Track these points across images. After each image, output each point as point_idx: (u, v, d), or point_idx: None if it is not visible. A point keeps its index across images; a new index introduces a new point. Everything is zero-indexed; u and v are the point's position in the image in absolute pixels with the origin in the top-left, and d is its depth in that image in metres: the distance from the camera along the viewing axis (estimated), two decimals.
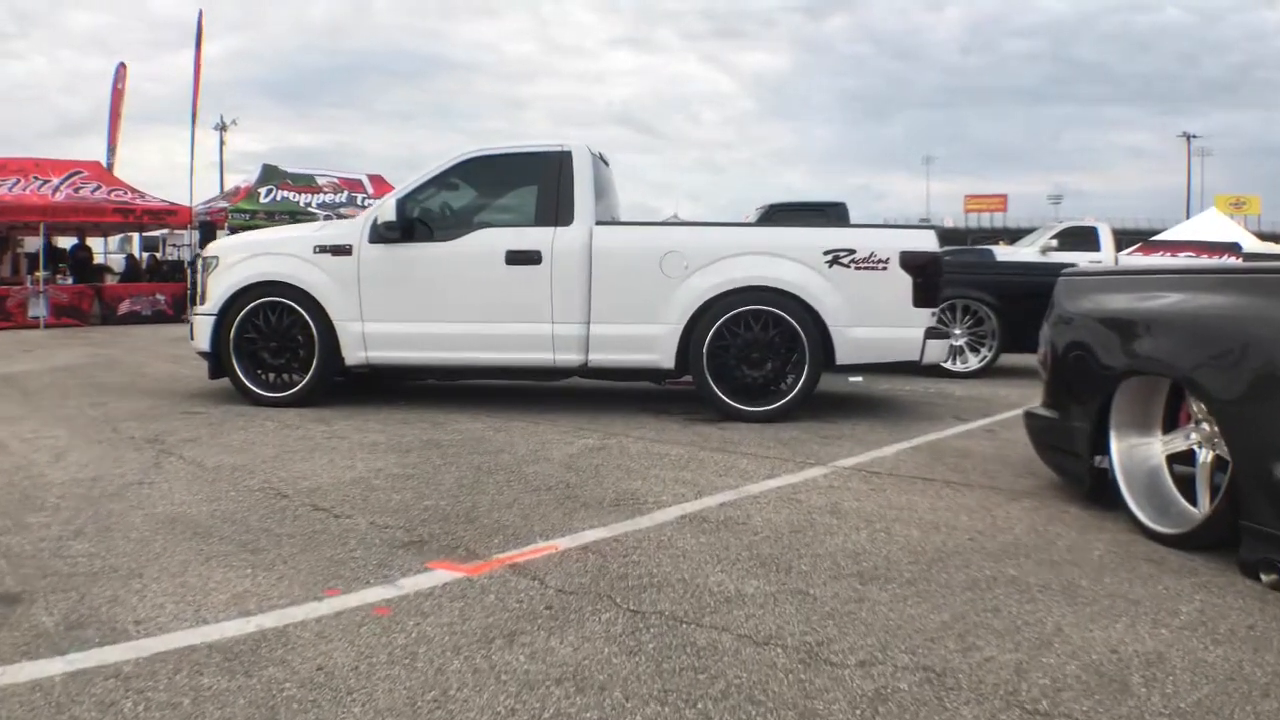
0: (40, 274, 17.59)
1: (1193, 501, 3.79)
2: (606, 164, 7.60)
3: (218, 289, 6.99)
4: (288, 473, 4.74)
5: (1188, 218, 42.84)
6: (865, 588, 3.13)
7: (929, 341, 6.57)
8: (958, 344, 9.46)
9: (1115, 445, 4.09)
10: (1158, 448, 4.03)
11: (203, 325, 7.04)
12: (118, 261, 24.16)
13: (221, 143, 53.78)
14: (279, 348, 6.93)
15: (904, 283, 6.50)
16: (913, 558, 3.47)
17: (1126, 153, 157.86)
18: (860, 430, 6.21)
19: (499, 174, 7.18)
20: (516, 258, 6.60)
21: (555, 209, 6.68)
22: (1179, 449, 3.94)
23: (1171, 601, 3.05)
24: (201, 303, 7.16)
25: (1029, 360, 10.05)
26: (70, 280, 18.48)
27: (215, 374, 7.12)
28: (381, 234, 6.72)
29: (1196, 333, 3.65)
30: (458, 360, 6.80)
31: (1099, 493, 4.18)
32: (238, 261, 7.03)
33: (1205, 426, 3.71)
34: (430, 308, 6.73)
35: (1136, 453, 4.06)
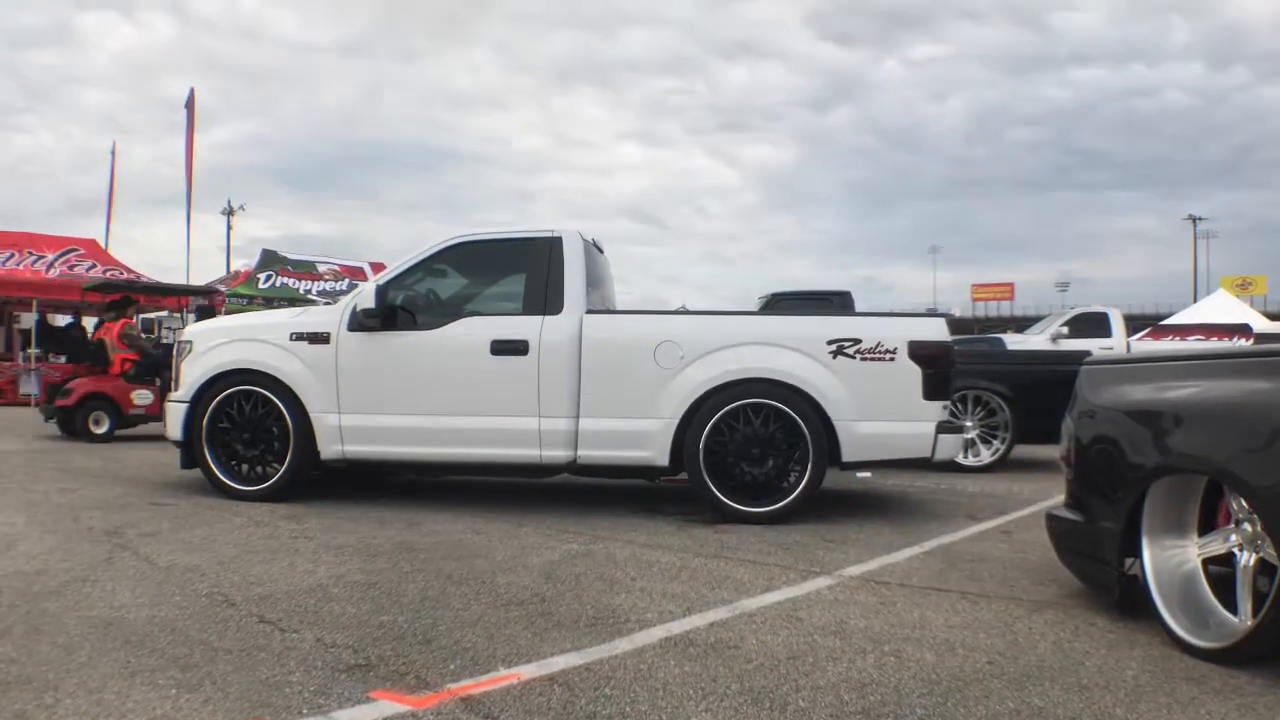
0: (33, 351, 17.45)
1: (1231, 609, 3.43)
2: (601, 251, 7.32)
3: (191, 375, 6.70)
4: (241, 576, 4.36)
5: (1195, 301, 42.90)
6: None
7: (941, 436, 6.17)
8: (969, 436, 9.11)
9: (1148, 550, 3.72)
10: (1193, 551, 3.68)
11: (175, 413, 6.75)
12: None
13: (229, 227, 54.03)
14: (253, 439, 6.58)
15: (913, 374, 6.13)
16: (926, 688, 3.05)
17: (1131, 238, 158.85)
18: (868, 533, 5.80)
19: (486, 260, 6.86)
20: (502, 347, 6.27)
21: (544, 297, 6.37)
22: (1217, 552, 3.59)
23: None
24: (175, 389, 6.86)
25: (1043, 452, 9.73)
26: (64, 359, 18.29)
27: (187, 464, 6.77)
28: (361, 322, 6.40)
29: (1236, 423, 3.33)
30: (439, 456, 6.42)
31: (1128, 601, 3.82)
32: (212, 347, 6.74)
33: (1247, 527, 3.38)
34: (411, 400, 6.37)
35: (1170, 557, 3.70)
